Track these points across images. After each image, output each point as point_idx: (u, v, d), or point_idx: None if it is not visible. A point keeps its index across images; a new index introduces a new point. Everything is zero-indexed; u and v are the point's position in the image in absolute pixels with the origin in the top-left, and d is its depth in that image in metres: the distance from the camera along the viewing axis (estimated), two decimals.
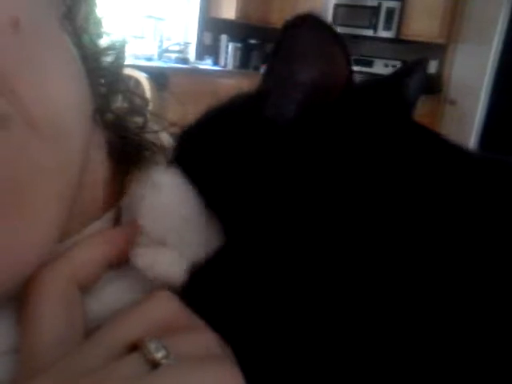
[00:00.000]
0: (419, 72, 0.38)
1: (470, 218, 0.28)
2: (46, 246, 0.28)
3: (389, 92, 0.34)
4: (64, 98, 0.28)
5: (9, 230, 0.25)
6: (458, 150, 0.32)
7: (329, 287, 0.28)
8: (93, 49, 0.36)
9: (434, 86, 4.72)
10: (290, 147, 0.31)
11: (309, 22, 0.30)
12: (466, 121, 4.70)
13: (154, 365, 0.25)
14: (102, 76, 0.38)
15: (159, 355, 0.25)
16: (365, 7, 4.87)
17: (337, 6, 4.98)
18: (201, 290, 0.31)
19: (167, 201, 0.32)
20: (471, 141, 4.67)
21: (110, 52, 0.39)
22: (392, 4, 4.77)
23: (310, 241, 0.29)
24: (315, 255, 0.29)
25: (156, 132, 0.43)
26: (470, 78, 4.74)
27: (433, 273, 0.27)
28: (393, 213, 0.28)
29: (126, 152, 0.38)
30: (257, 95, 0.33)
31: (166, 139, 0.45)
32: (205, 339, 0.27)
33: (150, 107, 0.42)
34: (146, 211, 0.32)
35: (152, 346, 0.25)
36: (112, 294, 0.32)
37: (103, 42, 0.39)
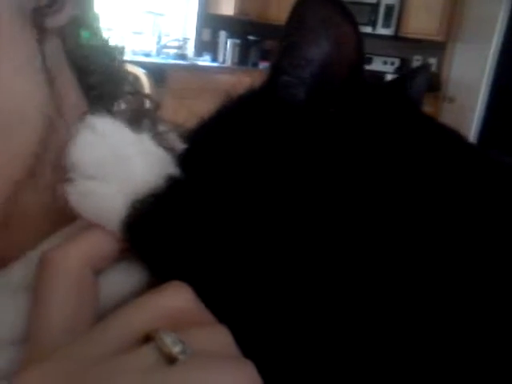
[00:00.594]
0: (422, 75, 0.38)
1: (472, 217, 0.28)
2: None
3: (394, 87, 0.34)
4: (12, 96, 0.29)
5: None
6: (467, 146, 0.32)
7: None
8: (84, 48, 0.36)
9: (432, 84, 4.72)
10: (300, 129, 0.30)
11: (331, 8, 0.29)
12: (464, 119, 4.70)
13: (171, 359, 0.24)
14: (93, 76, 0.37)
15: (176, 349, 0.24)
16: (364, 4, 4.86)
17: None
18: (143, 228, 0.29)
19: (103, 138, 0.30)
20: (470, 139, 4.66)
21: (102, 52, 0.38)
22: (391, 1, 4.77)
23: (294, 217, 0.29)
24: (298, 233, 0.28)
25: (166, 133, 0.42)
26: (469, 76, 4.74)
27: (433, 272, 0.27)
28: (397, 205, 0.28)
29: None
30: (270, 79, 0.32)
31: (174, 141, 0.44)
32: (221, 336, 0.26)
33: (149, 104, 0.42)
34: (79, 147, 0.30)
35: (168, 339, 0.24)
36: (111, 284, 0.31)
37: (98, 40, 0.38)
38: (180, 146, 0.43)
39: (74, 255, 0.28)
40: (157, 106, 0.43)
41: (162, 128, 0.42)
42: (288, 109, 0.31)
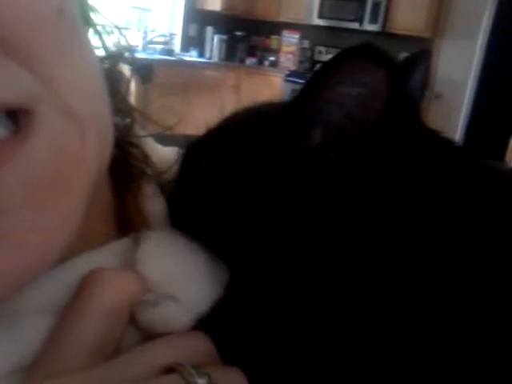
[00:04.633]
0: (421, 66, 0.36)
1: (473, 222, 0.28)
2: (63, 243, 0.27)
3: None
4: (97, 93, 0.28)
5: (39, 218, 0.25)
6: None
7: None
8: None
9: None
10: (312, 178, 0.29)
11: (368, 56, 0.28)
12: (451, 114, 4.73)
13: None
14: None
15: (202, 381, 0.25)
16: (351, 0, 4.87)
17: None
18: (217, 336, 0.30)
19: (171, 256, 0.32)
20: (457, 134, 4.70)
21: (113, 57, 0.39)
22: None
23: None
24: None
25: (145, 136, 0.41)
26: (456, 72, 4.77)
27: (433, 275, 0.27)
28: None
29: (119, 161, 0.37)
30: (285, 117, 0.31)
31: (155, 147, 0.43)
32: (238, 376, 0.27)
33: (134, 100, 0.41)
34: (148, 261, 0.31)
35: (193, 371, 0.25)
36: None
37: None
38: (160, 150, 0.42)
39: (123, 289, 0.28)
40: (132, 108, 0.42)
41: (141, 132, 0.41)
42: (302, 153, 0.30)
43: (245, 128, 0.33)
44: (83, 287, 0.28)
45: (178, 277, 0.31)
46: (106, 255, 0.32)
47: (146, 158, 0.40)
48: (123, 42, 0.41)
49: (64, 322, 0.27)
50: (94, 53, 0.30)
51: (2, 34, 0.21)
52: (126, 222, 0.36)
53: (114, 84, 0.39)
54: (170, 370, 0.26)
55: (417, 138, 0.31)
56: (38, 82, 0.23)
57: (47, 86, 0.24)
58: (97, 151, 0.28)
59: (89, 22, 0.35)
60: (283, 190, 0.30)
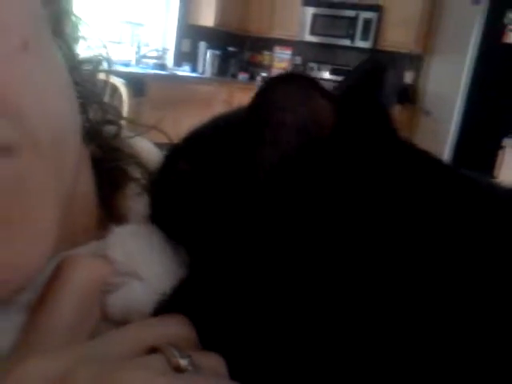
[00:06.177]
0: (390, 73, 0.37)
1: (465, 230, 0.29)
2: (45, 256, 0.28)
3: (367, 107, 0.34)
4: (62, 113, 0.29)
5: (12, 240, 0.26)
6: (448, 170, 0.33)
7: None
8: (72, 59, 0.36)
9: (409, 97, 4.79)
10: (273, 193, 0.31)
11: (289, 80, 0.30)
12: (440, 132, 4.77)
13: (178, 370, 0.25)
14: (80, 86, 0.37)
15: (184, 362, 0.26)
16: (342, 17, 4.92)
17: (315, 16, 5.03)
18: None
19: (136, 238, 0.34)
20: (445, 152, 4.74)
21: (89, 63, 0.39)
22: (369, 15, 4.83)
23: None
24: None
25: (131, 137, 0.43)
26: (445, 89, 4.82)
27: (433, 276, 0.27)
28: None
29: (106, 162, 0.39)
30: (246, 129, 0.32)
31: (143, 145, 0.44)
32: (217, 360, 0.28)
33: (126, 114, 0.42)
34: (117, 246, 0.33)
35: (176, 353, 0.26)
36: None
37: (81, 50, 0.38)
38: (148, 146, 0.44)
39: (95, 270, 0.30)
40: (119, 113, 0.44)
41: (126, 133, 0.43)
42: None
43: (215, 134, 0.35)
44: (58, 270, 0.30)
45: (142, 258, 0.33)
46: (82, 252, 0.33)
47: (133, 158, 0.41)
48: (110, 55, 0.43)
49: (41, 303, 0.29)
50: (61, 68, 0.31)
51: None
52: (108, 220, 0.37)
53: (99, 94, 0.41)
54: (152, 350, 0.27)
55: (380, 148, 0.32)
56: (13, 126, 0.24)
57: (21, 125, 0.25)
58: (62, 172, 0.29)
59: (76, 36, 0.37)
60: (243, 195, 0.31)
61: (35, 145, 0.26)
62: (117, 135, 0.41)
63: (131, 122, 0.45)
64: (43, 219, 0.28)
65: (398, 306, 0.27)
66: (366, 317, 0.27)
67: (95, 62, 0.41)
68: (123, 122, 0.43)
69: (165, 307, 0.31)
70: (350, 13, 4.88)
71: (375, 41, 4.89)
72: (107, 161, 0.39)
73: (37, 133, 0.26)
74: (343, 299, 0.28)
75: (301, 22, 5.11)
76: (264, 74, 5.45)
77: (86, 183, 0.36)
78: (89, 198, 0.37)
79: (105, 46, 0.41)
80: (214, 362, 0.28)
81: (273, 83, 0.30)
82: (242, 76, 5.47)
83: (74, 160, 0.31)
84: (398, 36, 4.73)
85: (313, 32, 5.09)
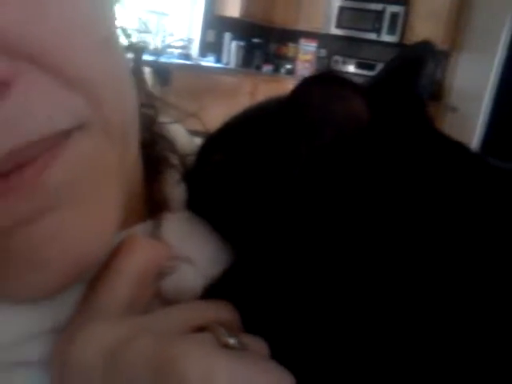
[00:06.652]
0: (430, 65, 0.37)
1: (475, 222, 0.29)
2: (111, 235, 0.29)
3: (402, 101, 0.34)
4: (130, 102, 0.31)
5: (89, 215, 0.27)
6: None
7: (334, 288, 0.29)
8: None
9: (435, 93, 4.72)
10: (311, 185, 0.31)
11: (323, 79, 0.31)
12: (467, 129, 4.70)
13: (227, 348, 0.26)
14: None
15: (232, 341, 0.27)
16: (369, 11, 4.88)
17: (341, 9, 4.99)
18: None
19: (189, 224, 0.36)
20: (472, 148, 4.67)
21: (133, 50, 0.41)
22: (396, 8, 4.78)
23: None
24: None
25: (168, 123, 0.44)
26: (473, 85, 4.75)
27: (434, 275, 0.27)
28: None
29: (149, 148, 0.40)
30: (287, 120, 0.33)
31: (178, 132, 0.45)
32: (261, 343, 0.29)
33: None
34: (172, 231, 0.35)
35: (224, 332, 0.27)
36: None
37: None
38: (184, 135, 0.44)
39: (152, 253, 0.30)
40: (156, 98, 0.44)
41: (164, 119, 0.43)
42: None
43: (249, 127, 0.35)
44: (117, 250, 0.30)
45: (194, 243, 0.35)
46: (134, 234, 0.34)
47: (171, 145, 0.42)
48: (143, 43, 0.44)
49: (97, 281, 0.29)
50: (124, 57, 0.33)
51: (62, 67, 0.24)
52: (152, 208, 0.38)
53: (140, 77, 0.42)
54: (200, 330, 0.28)
55: (416, 141, 0.32)
56: (88, 106, 0.26)
57: (95, 108, 0.26)
58: (127, 158, 0.31)
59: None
60: (277, 188, 0.32)
61: (107, 129, 0.27)
62: (155, 118, 0.42)
63: (174, 107, 0.45)
64: (112, 198, 0.29)
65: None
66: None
67: (139, 49, 0.42)
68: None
69: (212, 292, 0.32)
70: (377, 6, 4.83)
71: (402, 35, 4.83)
72: (150, 146, 0.40)
73: (110, 117, 0.27)
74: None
75: (327, 15, 5.07)
76: (288, 66, 5.43)
77: (136, 168, 0.37)
78: (138, 183, 0.38)
79: (145, 31, 0.43)
80: (258, 344, 0.29)
81: (308, 83, 0.31)
82: (267, 68, 5.46)
83: (136, 147, 0.32)
84: (426, 31, 4.66)
85: (339, 25, 5.05)
